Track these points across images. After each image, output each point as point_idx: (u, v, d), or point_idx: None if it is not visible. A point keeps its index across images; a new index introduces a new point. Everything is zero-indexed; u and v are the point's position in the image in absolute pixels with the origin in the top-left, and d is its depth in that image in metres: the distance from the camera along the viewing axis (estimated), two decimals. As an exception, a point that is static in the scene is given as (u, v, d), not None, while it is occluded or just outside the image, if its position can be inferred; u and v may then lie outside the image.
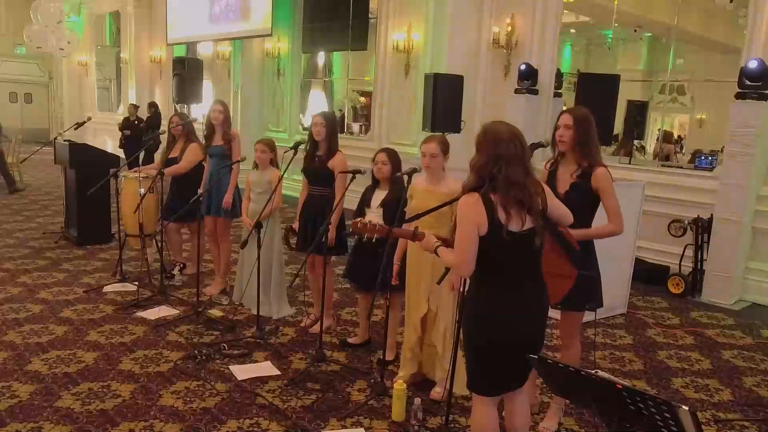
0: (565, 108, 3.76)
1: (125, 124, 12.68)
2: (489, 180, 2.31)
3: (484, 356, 2.45)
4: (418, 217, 2.93)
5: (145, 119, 12.68)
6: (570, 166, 3.10)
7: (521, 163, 2.34)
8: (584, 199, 3.03)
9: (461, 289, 3.03)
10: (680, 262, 6.20)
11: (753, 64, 5.61)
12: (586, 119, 3.05)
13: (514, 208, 2.29)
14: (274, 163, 4.77)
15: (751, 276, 6.11)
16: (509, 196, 2.28)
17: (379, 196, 3.92)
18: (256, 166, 4.80)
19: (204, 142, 5.31)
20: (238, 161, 4.95)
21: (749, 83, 5.66)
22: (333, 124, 4.42)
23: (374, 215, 3.91)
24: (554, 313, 3.32)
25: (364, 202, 3.98)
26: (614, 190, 3.05)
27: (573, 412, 3.54)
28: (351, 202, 4.26)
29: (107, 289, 5.40)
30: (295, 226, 4.57)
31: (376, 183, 3.98)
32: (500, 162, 2.31)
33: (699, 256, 6.11)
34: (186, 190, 5.33)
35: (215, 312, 4.88)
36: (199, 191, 4.99)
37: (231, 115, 5.46)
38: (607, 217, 3.09)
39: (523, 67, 7.56)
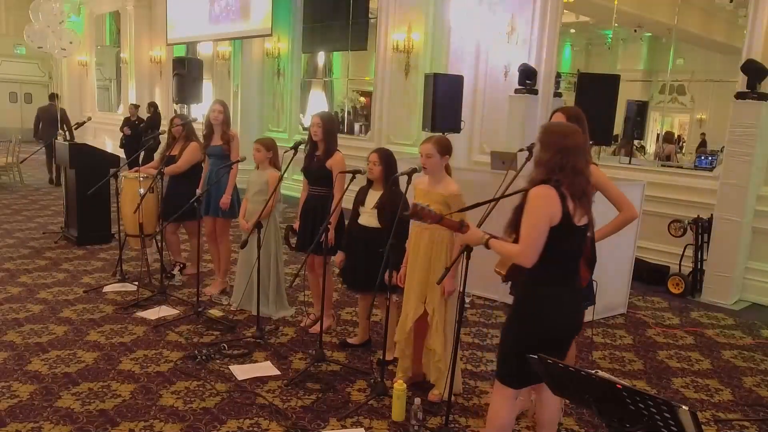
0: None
1: (125, 124, 12.68)
2: (558, 171, 2.38)
3: (532, 352, 2.48)
4: (468, 209, 2.89)
5: (145, 119, 12.68)
6: None
7: (584, 154, 2.47)
8: None
9: (461, 290, 3.04)
10: (680, 262, 6.20)
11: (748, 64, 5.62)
12: (578, 118, 3.06)
13: (579, 201, 2.39)
14: (273, 162, 4.76)
15: (751, 276, 6.11)
16: (576, 186, 2.38)
17: (373, 196, 3.91)
18: (257, 165, 4.80)
19: (203, 141, 5.32)
20: (237, 161, 4.95)
21: (748, 82, 5.67)
22: (331, 125, 4.39)
23: (368, 216, 3.91)
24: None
25: (358, 202, 3.98)
26: (609, 179, 3.09)
27: (573, 412, 3.54)
28: (351, 201, 4.27)
29: (107, 289, 5.40)
30: (296, 226, 4.57)
31: (370, 183, 3.97)
32: (568, 153, 2.39)
33: (699, 256, 6.11)
34: (182, 189, 5.34)
35: (215, 312, 4.89)
36: (198, 191, 4.99)
37: (231, 115, 5.46)
38: (616, 207, 3.11)
39: (523, 67, 7.56)
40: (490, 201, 2.87)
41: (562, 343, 2.55)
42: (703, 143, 10.21)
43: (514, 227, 2.50)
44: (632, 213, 3.09)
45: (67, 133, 10.15)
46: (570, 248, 2.45)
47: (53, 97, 12.12)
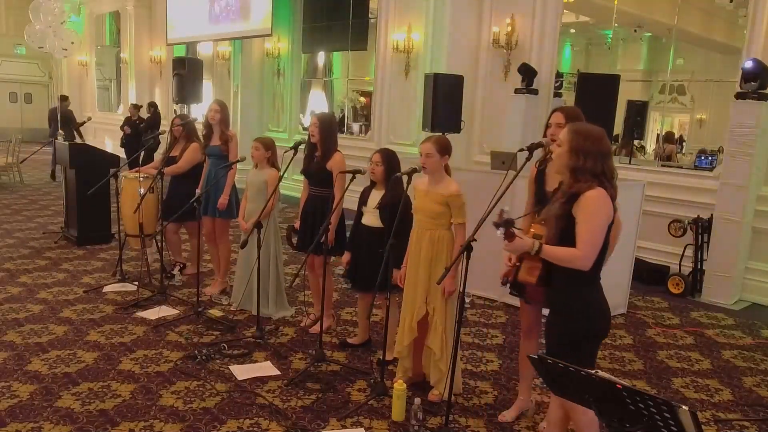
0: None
1: (126, 123, 12.69)
2: (602, 175, 2.43)
3: (589, 349, 2.58)
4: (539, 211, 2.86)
5: (145, 119, 12.69)
6: None
7: (612, 155, 2.54)
8: None
9: (461, 290, 3.04)
10: (680, 262, 6.20)
11: (748, 64, 5.62)
12: (577, 118, 3.05)
13: (613, 202, 2.47)
14: (272, 162, 4.75)
15: (751, 276, 6.11)
16: (615, 188, 2.47)
17: (376, 196, 3.91)
18: (256, 165, 4.80)
19: (203, 141, 5.33)
20: (236, 162, 4.95)
21: (745, 83, 5.66)
22: (329, 125, 4.37)
23: (371, 216, 3.91)
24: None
25: (362, 201, 3.98)
26: None
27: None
28: (351, 202, 4.27)
29: (107, 289, 5.40)
30: (297, 225, 4.57)
31: (373, 183, 3.98)
32: (606, 157, 2.45)
33: (699, 256, 6.11)
34: (183, 189, 5.35)
35: (215, 312, 4.89)
36: (198, 191, 4.99)
37: (231, 115, 5.46)
38: None
39: (523, 67, 7.56)
40: (537, 210, 2.83)
41: (601, 340, 2.63)
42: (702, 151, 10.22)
43: (562, 236, 2.47)
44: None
45: (65, 133, 10.20)
46: (605, 249, 2.52)
47: (63, 98, 12.43)
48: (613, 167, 2.48)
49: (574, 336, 2.54)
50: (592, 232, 2.40)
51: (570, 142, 2.46)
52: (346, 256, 4.13)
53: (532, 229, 2.62)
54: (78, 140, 11.41)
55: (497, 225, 2.31)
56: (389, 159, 3.88)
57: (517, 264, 2.81)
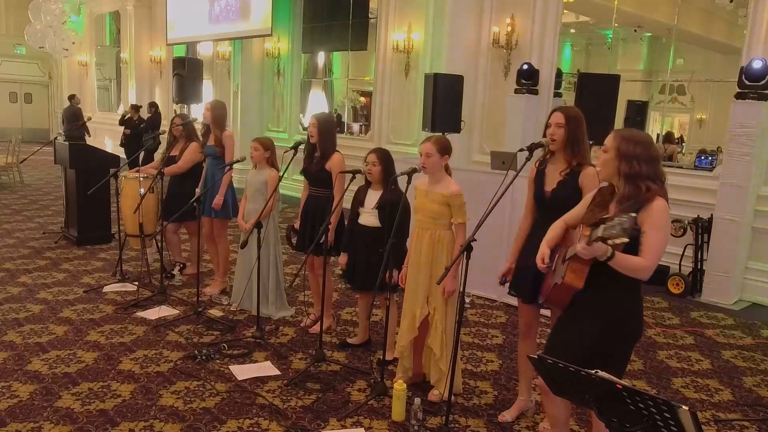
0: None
1: (126, 124, 12.69)
2: (658, 180, 2.44)
3: (628, 353, 2.61)
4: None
5: (145, 119, 12.69)
6: (559, 164, 3.09)
7: (661, 160, 2.54)
8: (571, 197, 3.01)
9: (461, 290, 3.04)
10: (680, 262, 6.20)
11: (758, 65, 5.61)
12: (577, 118, 3.04)
13: None
14: (271, 162, 4.75)
15: (751, 276, 6.11)
16: (666, 194, 2.47)
17: (373, 196, 3.91)
18: (255, 165, 4.80)
19: (202, 141, 5.35)
20: (234, 162, 4.94)
21: (749, 83, 5.66)
22: (328, 125, 4.36)
23: (369, 215, 3.91)
24: (548, 312, 3.32)
25: (359, 202, 3.98)
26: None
27: (573, 412, 3.53)
28: (351, 202, 4.27)
29: (107, 289, 5.40)
30: (296, 225, 4.57)
31: (368, 183, 3.96)
32: (657, 162, 2.46)
33: (699, 256, 6.11)
34: (183, 189, 5.35)
35: (215, 312, 4.89)
36: (197, 191, 4.99)
37: (231, 115, 5.47)
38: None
39: (523, 67, 7.56)
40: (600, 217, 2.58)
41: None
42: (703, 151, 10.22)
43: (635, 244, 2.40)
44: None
45: (71, 130, 10.32)
46: None
47: (72, 97, 13.37)
48: (663, 171, 2.49)
49: (615, 341, 2.50)
50: (660, 244, 2.41)
51: (618, 149, 2.42)
52: (343, 258, 4.12)
53: (584, 232, 2.47)
54: (87, 138, 12.07)
55: (627, 231, 2.13)
56: (386, 159, 3.88)
57: (549, 265, 2.66)
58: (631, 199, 2.42)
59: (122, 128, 12.71)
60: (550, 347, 2.64)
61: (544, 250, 2.66)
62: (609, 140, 2.48)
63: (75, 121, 12.10)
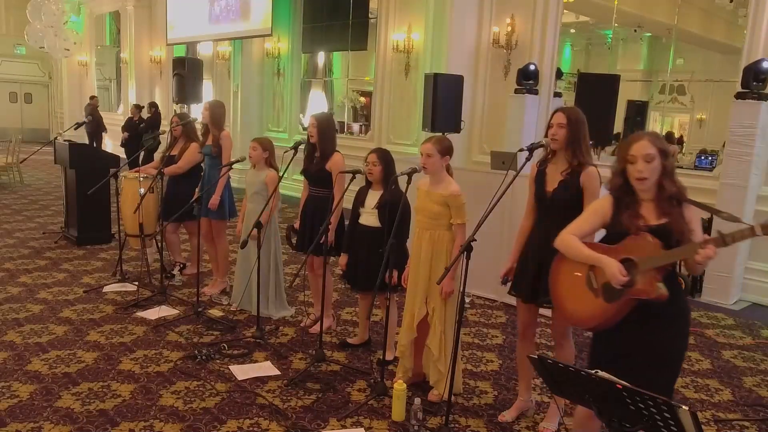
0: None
1: (126, 125, 12.70)
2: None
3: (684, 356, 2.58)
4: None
5: (145, 119, 12.69)
6: (560, 164, 3.09)
7: None
8: (571, 197, 3.02)
9: (461, 290, 3.04)
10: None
11: (766, 65, 5.61)
12: (578, 118, 3.05)
13: None
14: (269, 162, 4.75)
15: (751, 276, 6.11)
16: None
17: (373, 196, 3.90)
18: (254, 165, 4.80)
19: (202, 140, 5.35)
20: (234, 162, 4.93)
21: (756, 83, 5.66)
22: (327, 125, 4.35)
23: (369, 216, 3.91)
24: (547, 312, 3.32)
25: (359, 202, 3.98)
26: (599, 192, 2.96)
27: (573, 412, 3.53)
28: (351, 202, 4.26)
29: (107, 289, 5.40)
30: (296, 225, 4.57)
31: (369, 183, 3.96)
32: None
33: (699, 256, 6.10)
34: (182, 189, 5.35)
35: (215, 312, 4.89)
36: (197, 192, 4.99)
37: (231, 115, 5.48)
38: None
39: (523, 67, 7.56)
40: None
41: None
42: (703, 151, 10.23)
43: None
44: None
45: (64, 133, 10.36)
46: None
47: (92, 98, 14.50)
48: None
49: (682, 347, 2.48)
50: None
51: (660, 157, 2.35)
52: (343, 259, 4.11)
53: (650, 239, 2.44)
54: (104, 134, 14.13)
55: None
56: (386, 159, 3.88)
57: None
58: (675, 208, 2.43)
59: (125, 128, 12.71)
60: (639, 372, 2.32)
61: (614, 263, 2.34)
62: (649, 148, 2.32)
63: (94, 118, 13.28)
